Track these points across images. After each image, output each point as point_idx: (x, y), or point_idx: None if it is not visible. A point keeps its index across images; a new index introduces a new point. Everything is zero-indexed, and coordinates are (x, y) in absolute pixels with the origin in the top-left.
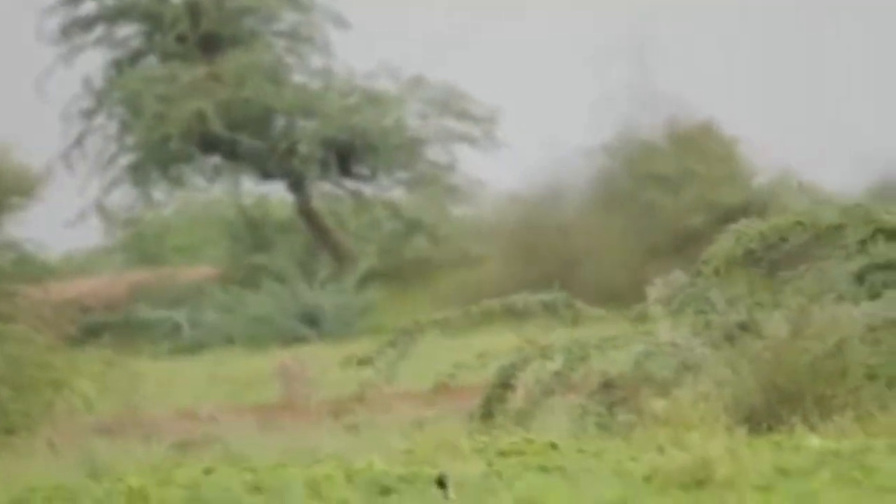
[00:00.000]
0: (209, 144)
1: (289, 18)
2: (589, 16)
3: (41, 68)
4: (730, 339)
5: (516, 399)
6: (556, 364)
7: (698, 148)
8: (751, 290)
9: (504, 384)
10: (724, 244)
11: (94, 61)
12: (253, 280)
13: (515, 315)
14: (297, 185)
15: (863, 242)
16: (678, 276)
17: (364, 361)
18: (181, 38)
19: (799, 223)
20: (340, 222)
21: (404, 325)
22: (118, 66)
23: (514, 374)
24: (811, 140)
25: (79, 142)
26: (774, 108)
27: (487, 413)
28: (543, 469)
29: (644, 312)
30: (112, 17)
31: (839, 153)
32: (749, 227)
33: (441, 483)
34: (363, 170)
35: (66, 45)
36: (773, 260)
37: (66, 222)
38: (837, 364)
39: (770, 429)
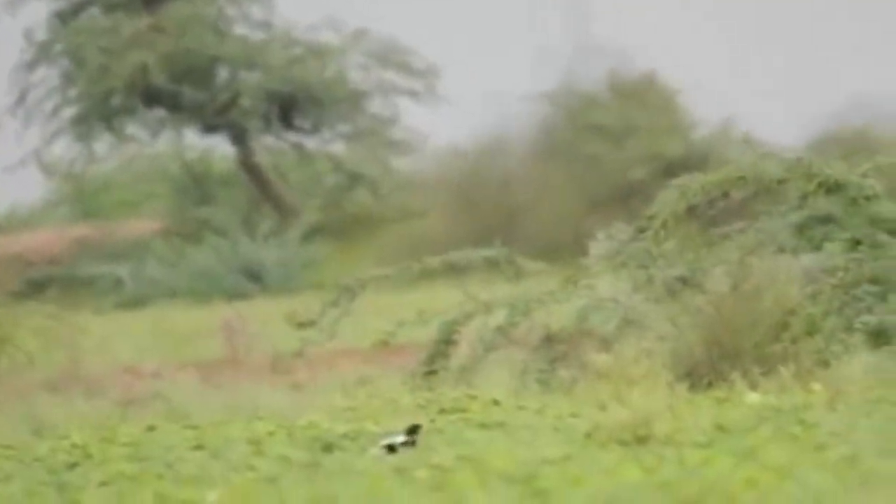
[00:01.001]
0: (152, 97)
1: None
2: None
3: None
4: (671, 293)
5: (459, 355)
6: (497, 319)
7: (640, 99)
8: (693, 245)
9: (446, 340)
10: (668, 199)
11: (38, 13)
12: (196, 234)
13: (457, 271)
14: (239, 138)
15: (804, 197)
16: (620, 230)
17: (306, 323)
18: None
19: (741, 178)
20: (283, 176)
21: (346, 283)
22: (61, 17)
23: (457, 330)
24: (753, 92)
25: (22, 95)
26: (717, 59)
27: (430, 370)
28: (485, 426)
29: (586, 267)
30: None
31: (781, 106)
32: (692, 182)
33: (413, 432)
34: (305, 123)
35: None
36: (714, 215)
37: (5, 168)
38: (778, 317)
39: (711, 384)
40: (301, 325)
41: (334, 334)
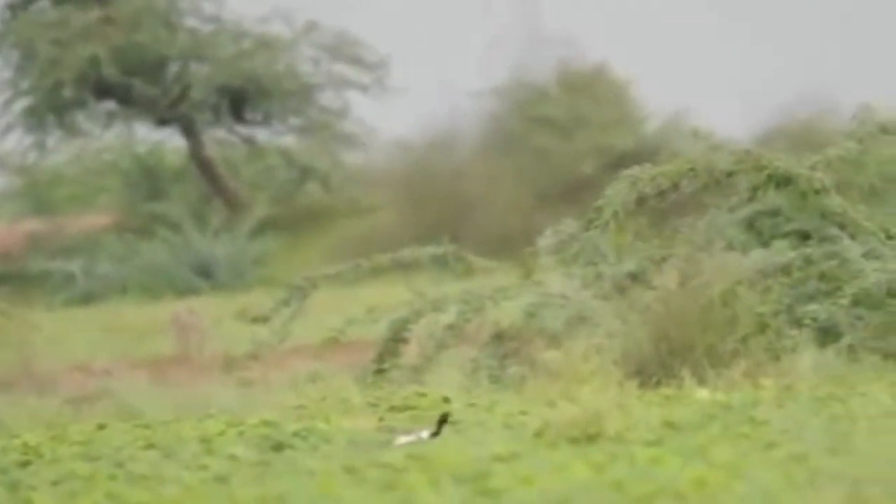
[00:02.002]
0: (103, 90)
1: None
2: None
3: None
4: (620, 290)
5: (409, 353)
6: (448, 316)
7: (590, 91)
8: (642, 238)
9: (396, 338)
10: (618, 190)
11: None
12: (147, 229)
13: (407, 267)
14: (189, 131)
15: (754, 189)
16: (569, 225)
17: (258, 319)
18: None
19: (692, 169)
20: (233, 169)
21: (296, 282)
22: (12, 9)
23: (407, 328)
24: (703, 85)
25: None
26: (667, 52)
27: (380, 368)
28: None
29: (535, 263)
30: None
31: (730, 99)
32: (642, 173)
33: (443, 421)
34: (256, 116)
35: None
36: (663, 208)
37: None
38: (727, 313)
39: (660, 381)
40: (254, 321)
41: (286, 336)
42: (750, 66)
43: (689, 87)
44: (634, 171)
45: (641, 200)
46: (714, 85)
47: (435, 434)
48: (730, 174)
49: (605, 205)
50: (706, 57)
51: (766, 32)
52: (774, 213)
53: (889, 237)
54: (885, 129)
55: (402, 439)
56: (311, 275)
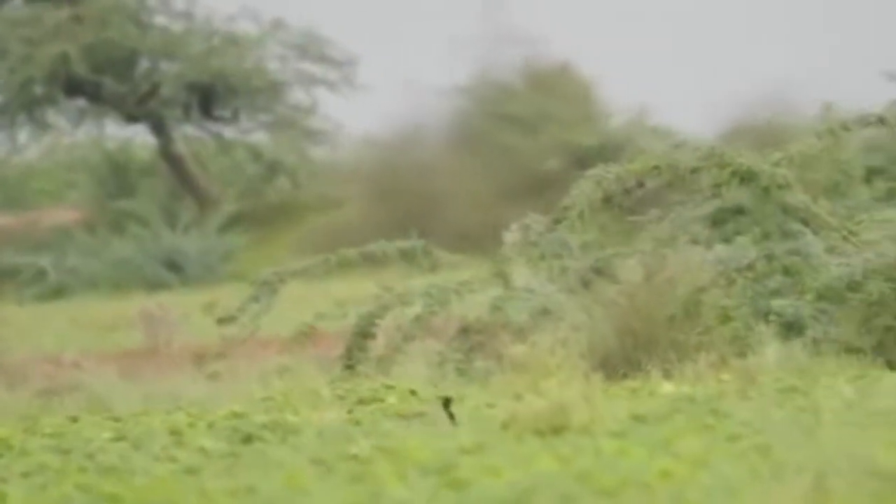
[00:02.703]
0: (74, 87)
1: None
2: None
3: None
4: (586, 284)
5: (377, 346)
6: (415, 310)
7: (555, 89)
8: (607, 235)
9: (364, 332)
10: (585, 189)
11: None
12: (117, 224)
13: (374, 261)
14: (159, 128)
15: (717, 186)
16: (535, 220)
17: (227, 320)
18: None
19: (656, 167)
20: (203, 165)
21: (265, 277)
22: None
23: (374, 322)
24: (666, 83)
25: None
26: (631, 50)
27: (349, 362)
28: (403, 416)
29: (501, 258)
30: None
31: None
32: (608, 172)
33: (447, 404)
34: (225, 112)
35: None
36: (628, 205)
37: None
38: (692, 308)
39: (626, 374)
40: (221, 322)
41: (256, 330)
42: (714, 64)
43: (653, 85)
44: (600, 170)
45: (607, 199)
46: (678, 84)
47: (450, 418)
48: (694, 171)
49: (571, 204)
50: (670, 56)
51: (729, 31)
52: (738, 209)
53: (851, 232)
54: (846, 127)
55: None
56: (279, 270)
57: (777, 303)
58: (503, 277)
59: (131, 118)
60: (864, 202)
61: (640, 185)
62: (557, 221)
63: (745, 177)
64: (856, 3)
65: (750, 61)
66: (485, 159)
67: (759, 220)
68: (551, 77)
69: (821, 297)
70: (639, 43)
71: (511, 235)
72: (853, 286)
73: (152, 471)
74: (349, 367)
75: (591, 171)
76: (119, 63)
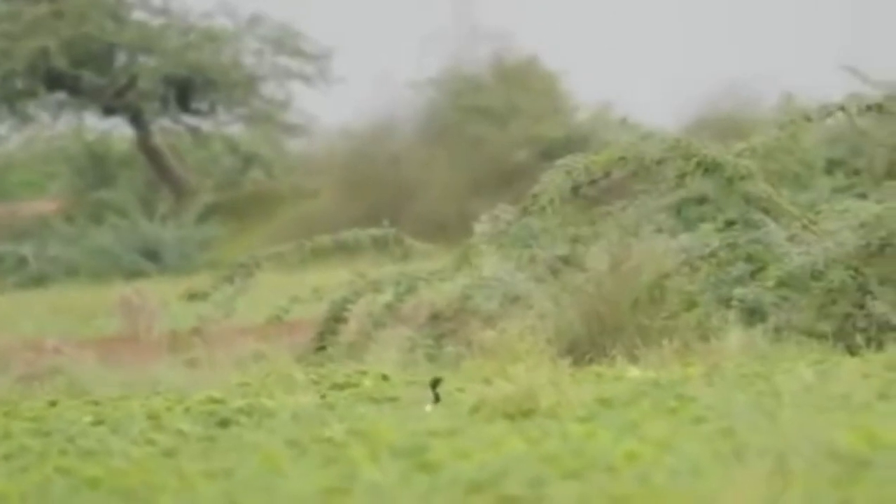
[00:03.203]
0: (53, 81)
1: None
2: None
3: None
4: (553, 272)
5: (349, 332)
6: (386, 297)
7: (523, 83)
8: (574, 224)
9: (336, 318)
10: (554, 179)
11: None
12: (96, 214)
13: (347, 250)
14: (137, 120)
15: (682, 176)
16: (504, 210)
17: (198, 295)
18: None
19: (623, 158)
20: (180, 157)
21: (241, 261)
22: None
23: (346, 308)
24: (631, 77)
25: None
26: (597, 45)
27: (321, 346)
28: (375, 400)
29: (471, 247)
30: None
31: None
32: (576, 162)
33: (435, 385)
34: (202, 105)
35: None
36: (595, 195)
37: None
38: (657, 295)
39: (592, 360)
40: (192, 297)
41: (231, 311)
42: (678, 58)
43: (619, 79)
44: (568, 160)
45: (576, 188)
46: (643, 77)
47: (436, 399)
48: (659, 162)
49: (540, 193)
50: (636, 51)
51: (693, 25)
52: (701, 200)
53: (812, 222)
54: (806, 118)
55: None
56: (254, 254)
57: (739, 290)
58: (472, 266)
59: (110, 111)
60: (826, 192)
61: (607, 175)
62: (527, 210)
63: (710, 167)
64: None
65: (715, 55)
66: (455, 151)
67: (723, 209)
68: (519, 71)
69: (782, 284)
70: (605, 38)
71: (481, 225)
72: (815, 275)
73: (131, 454)
74: (321, 349)
75: (560, 162)
76: (98, 57)
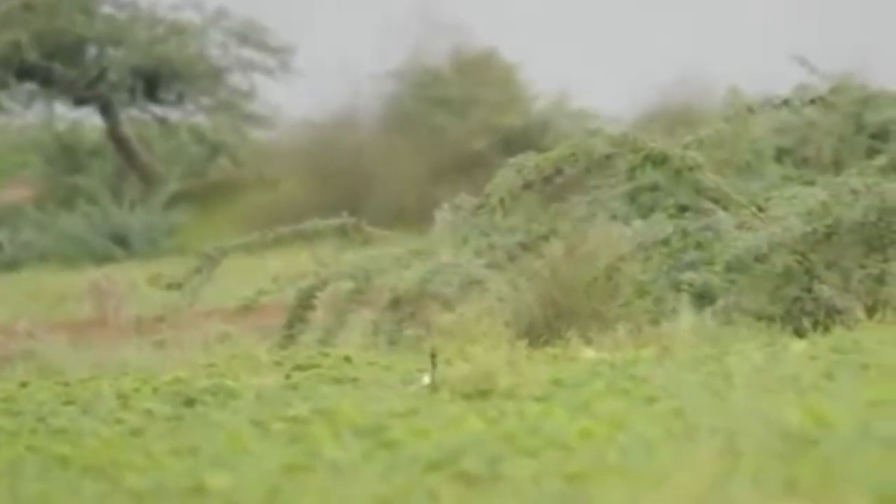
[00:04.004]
0: (25, 72)
1: None
2: None
3: None
4: (511, 258)
5: (314, 317)
6: (348, 283)
7: (481, 74)
8: (530, 219)
9: (304, 305)
10: (505, 177)
11: None
12: (67, 201)
13: (309, 238)
14: (106, 110)
15: (632, 170)
16: (464, 200)
17: (172, 286)
18: None
19: (572, 154)
20: (148, 146)
21: (207, 251)
22: None
23: (313, 295)
24: (587, 68)
25: None
26: (554, 37)
27: (289, 333)
28: (338, 381)
29: (432, 236)
30: None
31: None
32: (527, 160)
33: (433, 356)
34: (169, 96)
35: None
36: (549, 191)
37: None
38: (610, 280)
39: (548, 342)
40: (169, 287)
41: (197, 299)
42: (635, 48)
43: (576, 69)
44: (520, 158)
45: (527, 185)
46: (598, 68)
47: (433, 367)
48: (608, 157)
49: (492, 191)
50: (593, 41)
51: (650, 15)
52: (653, 187)
53: (760, 209)
54: (751, 109)
55: (421, 381)
56: (221, 245)
57: (688, 275)
58: (433, 253)
59: (80, 101)
60: (775, 181)
61: (559, 172)
62: (480, 207)
63: (658, 160)
64: None
65: (671, 45)
66: (415, 140)
67: (674, 196)
68: (478, 63)
69: (730, 268)
70: (562, 29)
71: (442, 215)
72: (759, 258)
73: (100, 432)
74: (290, 336)
75: (511, 160)
76: (68, 50)
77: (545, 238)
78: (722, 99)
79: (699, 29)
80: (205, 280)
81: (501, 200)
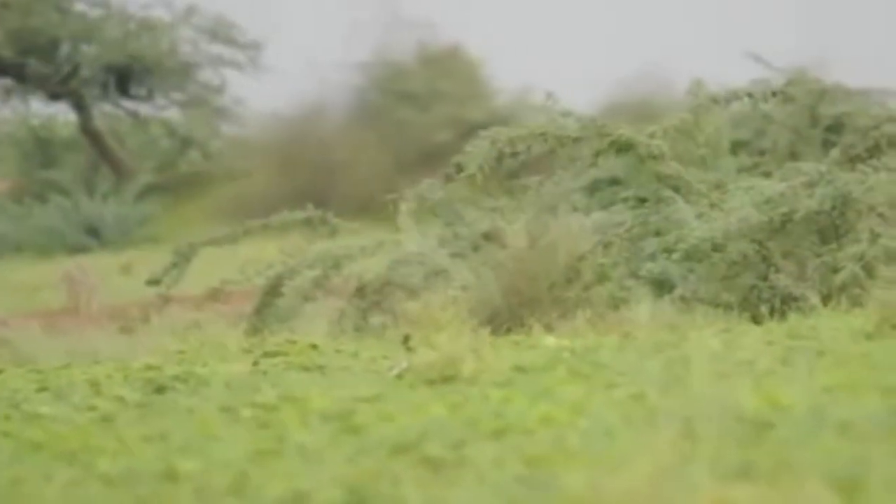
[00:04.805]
0: (0, 69)
1: None
2: None
3: None
4: (475, 248)
5: (282, 304)
6: (315, 272)
7: (446, 68)
8: (495, 199)
9: (271, 292)
10: (480, 147)
11: None
12: (42, 194)
13: (277, 229)
14: (80, 105)
15: (597, 155)
16: (429, 187)
17: (152, 282)
18: None
19: (543, 133)
20: (120, 140)
21: (181, 248)
22: None
23: (280, 282)
24: (550, 63)
25: None
26: (518, 32)
27: (258, 320)
28: (305, 368)
29: (396, 222)
30: None
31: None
32: (500, 134)
33: (406, 340)
34: (140, 91)
35: None
36: (515, 171)
37: None
38: (571, 269)
39: (511, 329)
40: (150, 283)
41: (171, 294)
42: (598, 43)
43: (540, 63)
44: (492, 131)
45: (500, 158)
46: (561, 63)
47: (407, 351)
48: (576, 139)
49: (467, 160)
50: (554, 37)
51: (613, 11)
52: (614, 179)
53: (718, 199)
54: (714, 101)
55: (397, 368)
56: (192, 242)
57: (648, 263)
58: (393, 241)
59: (54, 97)
60: (732, 172)
61: (528, 149)
62: (450, 178)
63: (623, 147)
64: None
65: (633, 40)
66: (381, 133)
67: (634, 188)
68: (442, 57)
69: (688, 257)
70: (525, 25)
71: (406, 203)
72: (717, 247)
73: (72, 419)
74: (257, 323)
75: (484, 132)
76: (42, 47)
77: (508, 221)
78: (686, 91)
79: (661, 24)
80: (179, 275)
81: (480, 168)
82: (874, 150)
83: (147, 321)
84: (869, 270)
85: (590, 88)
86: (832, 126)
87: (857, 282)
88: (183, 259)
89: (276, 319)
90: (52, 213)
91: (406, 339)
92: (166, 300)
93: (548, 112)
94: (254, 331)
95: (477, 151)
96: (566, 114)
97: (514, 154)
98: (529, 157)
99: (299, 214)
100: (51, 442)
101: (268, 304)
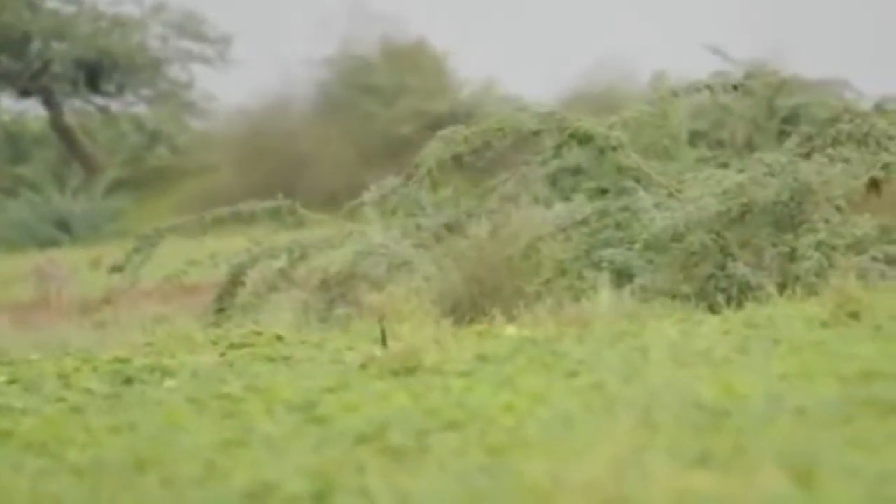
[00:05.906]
0: None
1: None
2: None
3: None
4: (438, 239)
5: (245, 295)
6: (280, 262)
7: (411, 62)
8: (457, 193)
9: (235, 281)
10: (434, 149)
11: None
12: (12, 189)
13: (245, 219)
14: (50, 101)
15: (558, 147)
16: (391, 181)
17: (115, 269)
18: None
19: (500, 129)
20: (90, 135)
21: (146, 233)
22: None
23: (244, 272)
24: (513, 55)
25: None
26: (482, 26)
27: (220, 308)
28: (270, 359)
29: (358, 213)
30: None
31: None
32: (455, 133)
33: (383, 332)
34: (110, 87)
35: None
36: (478, 165)
37: None
38: (532, 260)
39: (473, 320)
40: (112, 270)
41: (137, 279)
42: (560, 36)
43: (501, 57)
44: (448, 131)
45: (456, 158)
46: (524, 55)
47: (384, 345)
48: (535, 133)
49: (422, 162)
50: (517, 31)
51: (575, 4)
52: (575, 171)
53: (677, 189)
54: (674, 93)
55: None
56: (158, 226)
57: (608, 253)
58: (359, 232)
59: (25, 93)
60: (690, 163)
61: (487, 145)
62: (409, 177)
63: (583, 139)
64: None
65: (590, 34)
66: (347, 126)
67: (595, 179)
68: (407, 52)
69: (648, 247)
70: (489, 18)
71: (369, 195)
72: (676, 237)
73: (42, 410)
74: (220, 311)
75: (441, 132)
76: (14, 43)
77: (471, 216)
78: (647, 83)
79: (623, 17)
80: (144, 260)
81: (430, 171)
82: (833, 142)
83: (109, 303)
84: (828, 259)
85: (553, 81)
86: (788, 117)
87: (821, 271)
88: (147, 244)
89: (241, 310)
90: (23, 208)
91: (383, 333)
92: (132, 285)
93: (507, 106)
94: (216, 320)
95: (431, 152)
96: (521, 108)
97: (474, 152)
98: (495, 153)
99: (267, 204)
100: (20, 433)
101: (231, 293)
